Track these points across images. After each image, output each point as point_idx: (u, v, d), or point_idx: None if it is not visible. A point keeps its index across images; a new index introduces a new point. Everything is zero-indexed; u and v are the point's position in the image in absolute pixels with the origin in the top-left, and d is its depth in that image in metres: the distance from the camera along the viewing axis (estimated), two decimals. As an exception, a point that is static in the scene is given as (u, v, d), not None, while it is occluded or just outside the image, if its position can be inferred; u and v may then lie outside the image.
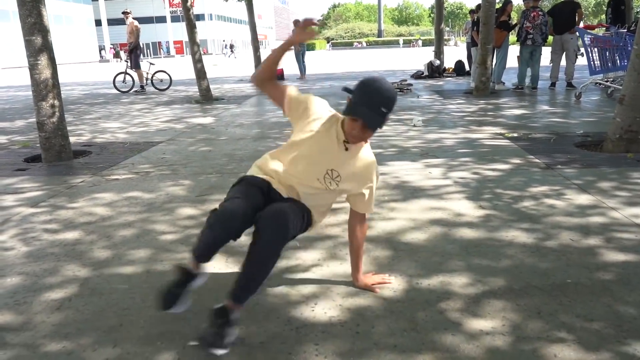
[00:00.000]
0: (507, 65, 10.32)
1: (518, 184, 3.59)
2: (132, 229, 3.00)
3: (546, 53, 10.29)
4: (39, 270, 2.48)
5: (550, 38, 9.46)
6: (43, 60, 4.69)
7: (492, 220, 2.91)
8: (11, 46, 39.75)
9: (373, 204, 2.10)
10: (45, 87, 4.74)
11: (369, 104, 1.81)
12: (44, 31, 4.66)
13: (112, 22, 55.56)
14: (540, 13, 9.09)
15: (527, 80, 9.83)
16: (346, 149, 1.97)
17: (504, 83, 10.12)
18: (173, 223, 3.07)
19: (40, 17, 4.63)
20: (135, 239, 2.84)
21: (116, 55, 49.23)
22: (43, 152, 4.90)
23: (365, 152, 2.04)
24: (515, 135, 5.33)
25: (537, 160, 4.23)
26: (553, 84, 9.59)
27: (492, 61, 9.22)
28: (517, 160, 4.26)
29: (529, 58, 9.41)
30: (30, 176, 4.37)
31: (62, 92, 4.97)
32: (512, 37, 10.44)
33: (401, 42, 68.31)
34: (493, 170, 3.99)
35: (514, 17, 15.57)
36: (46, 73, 4.72)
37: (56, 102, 4.83)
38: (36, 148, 5.28)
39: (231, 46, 44.35)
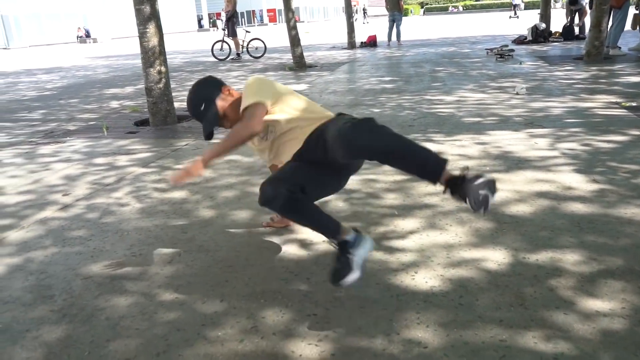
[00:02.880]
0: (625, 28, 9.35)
1: (638, 157, 3.28)
2: (233, 190, 3.11)
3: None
4: (151, 225, 2.65)
5: None
6: (151, 28, 4.93)
7: (607, 195, 2.69)
8: (120, 18, 42.36)
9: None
10: (153, 54, 4.99)
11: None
12: (152, 0, 4.88)
13: (209, -9, 57.27)
14: None
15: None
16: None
17: (620, 48, 9.20)
18: (272, 186, 3.14)
19: (149, -13, 4.85)
20: (237, 200, 2.95)
21: (213, 24, 50.82)
22: (151, 117, 5.21)
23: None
24: (634, 104, 4.85)
25: (660, 132, 3.83)
26: None
27: (607, 23, 8.39)
28: (636, 132, 3.88)
29: None
30: (140, 138, 4.67)
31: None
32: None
33: (522, 6, 57.67)
34: (608, 142, 3.67)
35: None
36: (154, 41, 4.96)
37: (163, 69, 5.08)
38: (144, 112, 5.62)
39: (364, 10, 43.61)
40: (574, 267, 1.99)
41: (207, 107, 2.15)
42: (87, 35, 37.53)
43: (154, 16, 4.92)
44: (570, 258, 2.06)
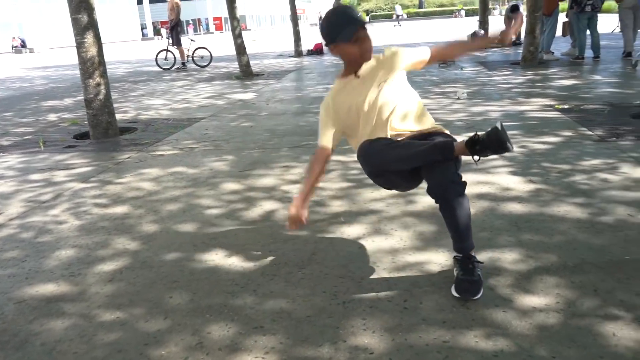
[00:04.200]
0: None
1: (569, 157, 3.45)
2: (178, 203, 3.05)
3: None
4: (91, 243, 2.56)
5: (612, 4, 8.78)
6: (89, 38, 4.77)
7: (542, 194, 2.81)
8: (58, 26, 40.83)
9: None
10: (92, 65, 4.84)
11: (348, 23, 1.94)
12: (89, 9, 4.73)
13: (153, 0, 56.10)
14: None
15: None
16: (358, 77, 2.07)
17: (553, 53, 9.68)
18: (218, 198, 3.10)
19: (85, -4, 4.70)
20: (182, 213, 2.89)
21: (157, 33, 49.85)
22: (91, 129, 5.04)
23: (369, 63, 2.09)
24: (566, 106, 5.11)
25: (589, 133, 4.04)
26: (629, 54, 8.65)
27: (541, 29, 8.81)
28: (568, 133, 4.08)
29: (587, 25, 8.79)
30: (80, 152, 4.51)
31: (107, 70, 5.07)
32: (562, 4, 9.88)
33: (463, 13, 60.17)
34: (543, 143, 3.84)
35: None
36: (92, 51, 4.81)
37: (102, 80, 4.93)
38: (84, 125, 5.43)
39: (397, 16, 41.79)
40: (512, 266, 2.06)
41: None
42: (23, 45, 35.95)
43: (92, 25, 4.77)
44: (508, 257, 2.14)
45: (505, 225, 2.46)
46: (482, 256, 2.15)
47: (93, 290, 2.09)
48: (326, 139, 2.09)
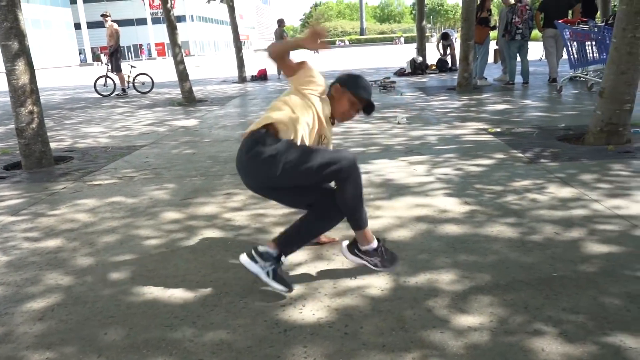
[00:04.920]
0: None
1: (502, 178, 3.62)
2: (115, 235, 2.96)
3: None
4: (20, 280, 2.43)
5: (538, 34, 9.28)
6: (20, 65, 4.61)
7: (477, 215, 2.93)
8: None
9: None
10: (24, 93, 4.66)
11: (368, 94, 2.40)
12: (20, 36, 4.58)
13: (91, 25, 54.78)
14: (527, 7, 9.06)
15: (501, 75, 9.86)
16: (333, 124, 2.46)
17: (486, 78, 10.19)
18: (157, 228, 3.03)
19: (17, 22, 4.55)
20: (119, 245, 2.80)
21: (97, 58, 48.65)
22: (23, 159, 4.82)
23: None
24: (499, 130, 5.37)
25: (520, 155, 4.26)
26: (554, 79, 9.22)
27: (474, 57, 9.27)
28: (500, 155, 4.29)
29: (517, 53, 9.33)
30: (10, 184, 4.30)
31: (42, 97, 4.90)
32: (493, 33, 10.46)
33: (403, 40, 63.04)
34: (477, 165, 4.01)
35: (494, 13, 15.71)
36: (24, 79, 4.64)
37: (35, 108, 4.75)
38: (16, 155, 5.20)
39: (444, 36, 28.07)
40: (449, 287, 2.13)
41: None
42: (-50, 71, 34.09)
43: (23, 52, 4.61)
44: (445, 278, 2.21)
45: (442, 246, 2.54)
46: (420, 278, 2.21)
47: (21, 330, 1.98)
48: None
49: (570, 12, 8.98)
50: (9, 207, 3.61)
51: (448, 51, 14.20)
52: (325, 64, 22.75)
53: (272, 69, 16.09)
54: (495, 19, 13.09)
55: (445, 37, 13.96)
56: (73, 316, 2.07)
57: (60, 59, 50.23)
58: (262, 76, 14.95)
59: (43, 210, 3.49)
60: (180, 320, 1.99)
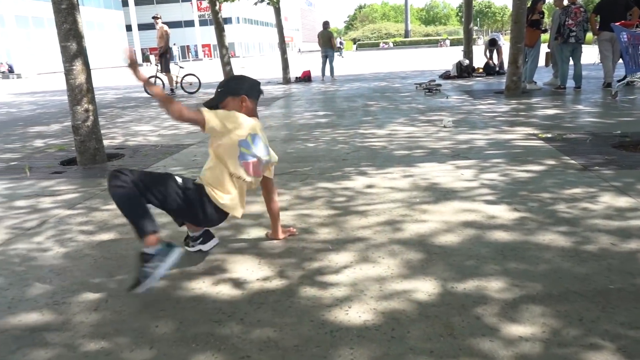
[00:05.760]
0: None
1: (553, 185, 3.51)
2: (165, 230, 3.04)
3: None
4: (76, 271, 2.53)
5: (589, 36, 8.92)
6: (78, 65, 4.80)
7: (527, 223, 2.85)
8: (46, 52, 40.89)
9: None
10: (80, 92, 4.85)
11: (258, 89, 2.75)
12: (78, 37, 4.77)
13: (142, 27, 56.55)
14: (582, 9, 8.75)
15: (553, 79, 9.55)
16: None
17: (535, 82, 9.91)
18: (205, 225, 3.09)
19: (75, 24, 4.74)
20: (170, 239, 2.87)
21: (146, 59, 50.15)
22: (78, 155, 5.02)
23: None
24: (549, 135, 5.22)
25: (572, 162, 4.12)
26: (609, 84, 8.86)
27: (523, 60, 9.03)
28: (551, 162, 4.16)
29: (570, 56, 9.03)
30: (67, 179, 4.48)
31: (95, 96, 5.08)
32: (544, 35, 10.15)
33: (448, 43, 59.30)
34: (526, 171, 3.91)
35: (547, 15, 15.24)
36: (81, 78, 4.83)
37: (90, 107, 4.94)
38: (72, 151, 5.41)
39: (492, 42, 18.51)
40: (498, 294, 2.08)
41: (220, 95, 2.56)
42: (11, 70, 35.91)
43: (81, 53, 4.81)
44: (494, 285, 2.16)
45: (491, 253, 2.48)
46: (469, 284, 2.17)
47: (77, 320, 2.06)
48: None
49: (628, 14, 8.62)
50: (65, 201, 3.76)
51: (495, 56, 13.89)
52: (367, 66, 22.67)
53: (316, 70, 16.18)
54: (546, 21, 12.73)
55: (492, 43, 13.67)
56: (126, 308, 2.14)
57: (112, 60, 52.00)
58: (306, 77, 15.04)
59: (97, 205, 3.62)
60: (228, 317, 2.03)
